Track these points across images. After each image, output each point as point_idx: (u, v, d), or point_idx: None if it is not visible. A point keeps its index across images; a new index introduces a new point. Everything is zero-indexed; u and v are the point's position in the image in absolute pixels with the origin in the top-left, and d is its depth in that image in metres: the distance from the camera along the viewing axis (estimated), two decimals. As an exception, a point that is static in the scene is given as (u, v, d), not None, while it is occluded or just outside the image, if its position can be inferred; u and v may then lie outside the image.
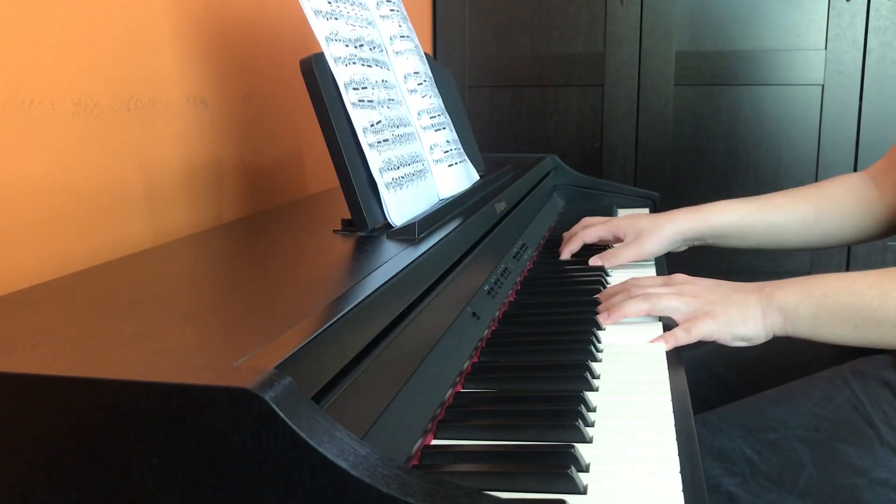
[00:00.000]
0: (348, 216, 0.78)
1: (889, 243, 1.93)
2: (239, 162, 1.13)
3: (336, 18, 0.81)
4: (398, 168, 0.83)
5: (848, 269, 1.96)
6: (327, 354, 0.47)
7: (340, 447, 0.36)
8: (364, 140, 0.78)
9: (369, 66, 0.84)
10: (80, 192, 0.81)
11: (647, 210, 1.48)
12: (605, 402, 0.62)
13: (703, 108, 1.97)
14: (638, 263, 1.08)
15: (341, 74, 0.78)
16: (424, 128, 0.95)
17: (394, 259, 0.66)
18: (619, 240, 1.08)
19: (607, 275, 1.02)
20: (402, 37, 0.96)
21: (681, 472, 0.50)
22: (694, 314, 0.78)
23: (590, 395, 0.62)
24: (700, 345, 0.79)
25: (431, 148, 0.95)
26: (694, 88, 1.97)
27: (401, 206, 0.81)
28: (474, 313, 0.75)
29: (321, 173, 1.37)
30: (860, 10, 1.85)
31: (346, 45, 0.81)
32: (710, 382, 1.02)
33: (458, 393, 0.65)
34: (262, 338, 0.45)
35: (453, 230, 0.78)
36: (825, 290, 0.74)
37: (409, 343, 0.60)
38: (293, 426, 0.35)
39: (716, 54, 1.94)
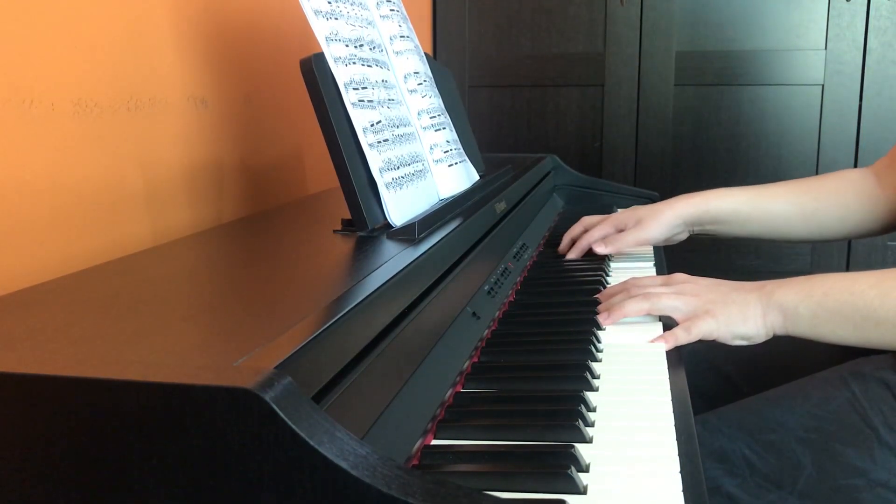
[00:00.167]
0: (348, 216, 0.78)
1: (889, 243, 1.93)
2: (239, 162, 1.13)
3: (336, 18, 0.81)
4: (398, 168, 0.83)
5: (848, 268, 1.96)
6: (327, 354, 0.47)
7: (340, 447, 0.36)
8: (364, 140, 0.78)
9: (369, 66, 0.84)
10: (80, 192, 0.81)
11: (647, 209, 1.48)
12: (605, 402, 0.62)
13: (703, 108, 1.97)
14: (638, 263, 1.08)
15: (341, 74, 0.78)
16: (424, 128, 0.95)
17: (394, 259, 0.66)
18: (621, 231, 1.08)
19: (607, 275, 1.02)
20: (402, 37, 0.96)
21: (681, 472, 0.50)
22: (694, 313, 0.78)
23: (590, 395, 0.62)
24: (701, 342, 0.79)
25: (431, 148, 0.95)
26: (694, 88, 1.97)
27: (401, 206, 0.81)
28: (474, 313, 0.75)
29: (321, 173, 1.37)
30: (860, 10, 1.85)
31: (346, 45, 0.81)
32: (712, 380, 1.02)
33: (458, 393, 0.65)
34: (262, 338, 0.45)
35: (453, 230, 0.78)
36: (825, 290, 0.74)
37: (409, 343, 0.60)
38: (293, 426, 0.35)
39: (716, 54, 1.94)
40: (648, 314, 0.81)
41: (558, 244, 1.12)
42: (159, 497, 0.37)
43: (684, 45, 1.95)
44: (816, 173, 1.93)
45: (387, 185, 0.79)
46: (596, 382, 0.66)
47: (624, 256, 1.12)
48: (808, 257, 1.97)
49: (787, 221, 1.05)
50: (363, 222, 0.76)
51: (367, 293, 0.55)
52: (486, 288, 0.83)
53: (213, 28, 1.06)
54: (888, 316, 0.72)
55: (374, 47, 0.87)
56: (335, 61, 0.78)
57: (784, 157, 1.95)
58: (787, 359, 0.97)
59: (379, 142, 0.81)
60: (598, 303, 0.85)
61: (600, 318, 0.81)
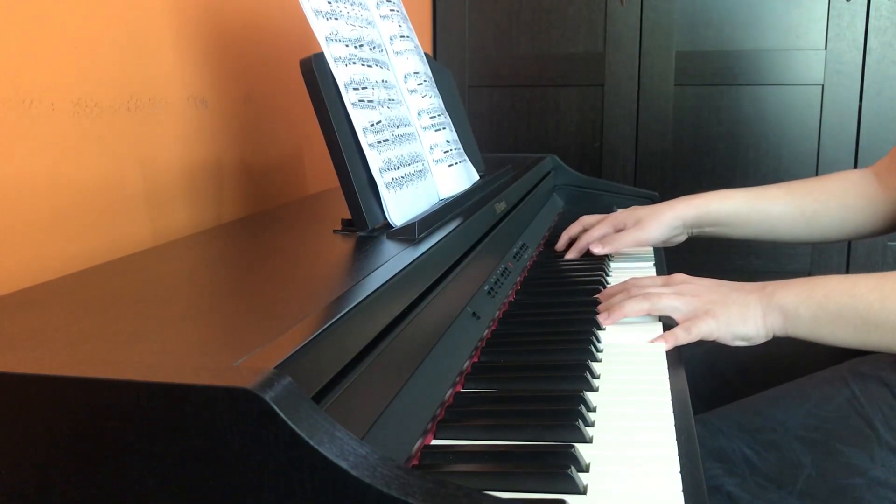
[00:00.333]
0: (348, 216, 0.78)
1: (889, 243, 1.93)
2: (239, 162, 1.13)
3: (336, 18, 0.81)
4: (398, 168, 0.83)
5: (848, 268, 1.96)
6: (327, 354, 0.47)
7: (340, 447, 0.36)
8: (364, 140, 0.78)
9: (369, 66, 0.84)
10: (80, 192, 0.81)
11: (647, 209, 1.48)
12: (605, 402, 0.62)
13: (703, 108, 1.97)
14: (638, 263, 1.08)
15: (341, 74, 0.78)
16: (424, 128, 0.95)
17: (394, 259, 0.66)
18: (619, 231, 1.08)
19: (607, 275, 1.02)
20: (402, 37, 0.96)
21: (681, 472, 0.50)
22: (694, 314, 0.78)
23: (590, 395, 0.62)
24: (701, 342, 0.79)
25: (431, 148, 0.95)
26: (694, 88, 1.97)
27: (401, 206, 0.81)
28: (474, 313, 0.75)
29: (321, 173, 1.37)
30: (860, 10, 1.85)
31: (346, 45, 0.81)
32: (712, 380, 1.02)
33: (458, 393, 0.65)
34: (262, 338, 0.45)
35: (453, 230, 0.78)
36: (826, 292, 0.74)
37: (410, 343, 0.60)
38: (293, 426, 0.35)
39: (716, 54, 1.94)
40: (649, 314, 0.81)
41: (558, 242, 1.12)
42: (159, 497, 0.37)
43: (684, 45, 1.95)
44: (816, 173, 1.93)
45: (387, 185, 0.79)
46: (596, 382, 0.66)
47: (624, 256, 1.12)
48: (808, 257, 1.97)
49: (788, 223, 1.05)
50: (363, 222, 0.76)
51: (367, 293, 0.55)
52: (486, 288, 0.83)
53: (213, 28, 1.06)
54: (888, 319, 0.72)
55: (374, 47, 0.87)
56: (335, 61, 0.78)
57: (784, 157, 1.95)
58: (787, 359, 0.97)
59: (379, 142, 0.81)
60: (598, 303, 0.85)
61: (600, 318, 0.81)
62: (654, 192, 1.53)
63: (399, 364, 0.57)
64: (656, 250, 1.15)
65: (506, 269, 0.93)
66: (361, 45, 0.84)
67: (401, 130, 0.87)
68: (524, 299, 0.90)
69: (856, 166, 1.90)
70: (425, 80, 1.00)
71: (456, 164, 1.01)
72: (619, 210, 1.16)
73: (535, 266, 1.05)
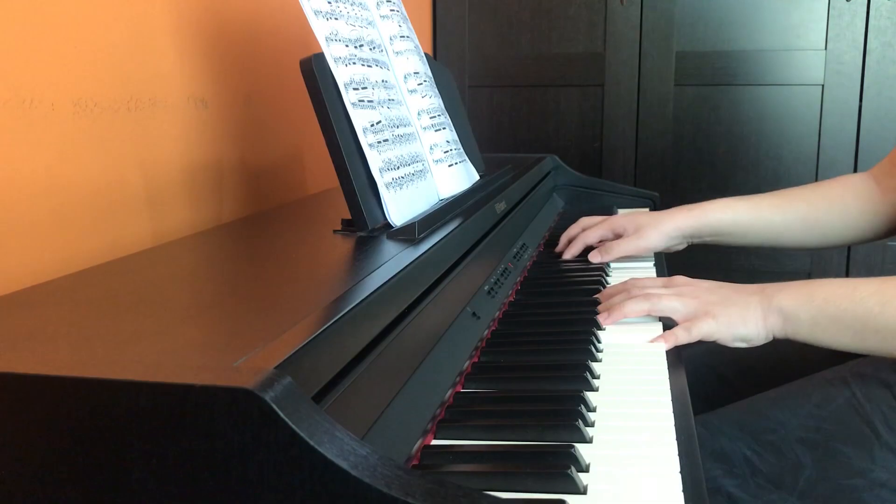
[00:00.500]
0: (348, 216, 0.78)
1: (889, 243, 1.93)
2: (239, 162, 1.13)
3: (336, 18, 0.81)
4: (398, 168, 0.83)
5: (848, 269, 1.96)
6: (327, 354, 0.47)
7: (340, 447, 0.36)
8: (364, 140, 0.78)
9: (369, 66, 0.84)
10: (80, 192, 0.81)
11: (646, 210, 1.48)
12: (605, 402, 0.62)
13: (703, 108, 1.97)
14: (638, 263, 1.08)
15: (341, 74, 0.78)
16: (424, 128, 0.95)
17: (394, 259, 0.66)
18: (618, 237, 1.08)
19: (607, 275, 1.02)
20: (402, 37, 0.96)
21: (681, 472, 0.50)
22: (694, 314, 0.78)
23: (590, 395, 0.62)
24: (702, 343, 0.79)
25: (431, 148, 0.95)
26: (694, 88, 1.97)
27: (401, 207, 0.81)
28: (474, 313, 0.75)
29: (321, 173, 1.37)
30: (860, 10, 1.85)
31: (346, 45, 0.81)
32: (712, 381, 1.02)
33: (458, 393, 0.65)
34: (262, 338, 0.45)
35: (453, 230, 0.78)
36: (826, 296, 0.74)
37: (409, 343, 0.60)
38: (293, 426, 0.35)
39: (716, 54, 1.94)
40: (649, 314, 0.81)
41: (558, 244, 1.12)
42: (160, 497, 0.37)
43: (684, 45, 1.95)
44: (816, 173, 1.93)
45: (387, 186, 0.79)
46: (596, 382, 0.66)
47: (624, 257, 1.12)
48: (808, 257, 1.97)
49: (789, 231, 1.05)
50: (363, 222, 0.76)
51: (367, 293, 0.55)
52: (486, 288, 0.83)
53: (213, 28, 1.06)
54: (888, 324, 0.72)
55: (374, 47, 0.87)
56: (335, 61, 0.78)
57: (784, 157, 1.95)
58: (788, 360, 0.97)
59: (379, 142, 0.81)
60: (598, 303, 0.85)
61: (600, 319, 0.80)
62: (654, 193, 1.53)
63: (399, 364, 0.57)
64: (656, 254, 1.15)
65: (506, 269, 0.93)
66: (361, 45, 0.84)
67: (401, 130, 0.87)
68: (524, 299, 0.90)
69: (856, 166, 1.90)
70: (425, 80, 1.00)
71: (456, 164, 1.01)
72: (620, 213, 1.16)
73: (535, 266, 1.05)
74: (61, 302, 0.56)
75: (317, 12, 0.78)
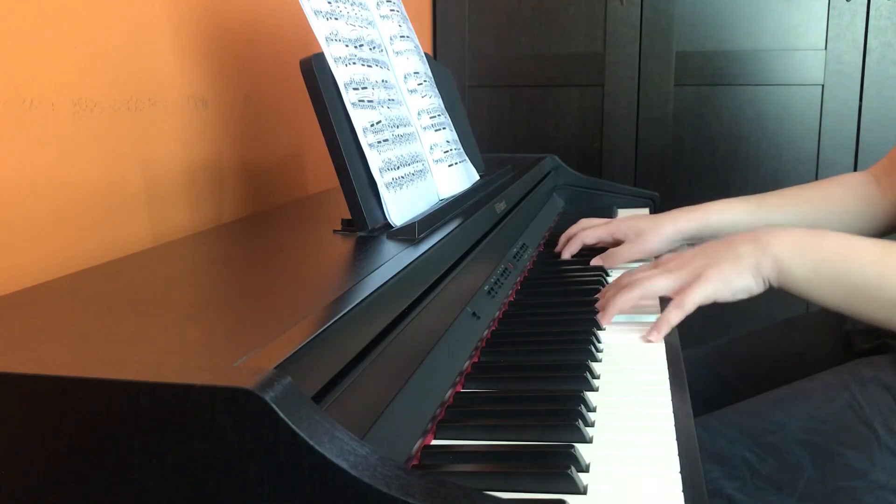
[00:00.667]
0: (348, 216, 0.78)
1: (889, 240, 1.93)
2: (239, 162, 1.13)
3: (336, 18, 0.81)
4: (398, 168, 0.83)
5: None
6: (327, 354, 0.47)
7: (340, 447, 0.36)
8: (364, 140, 0.78)
9: (369, 66, 0.84)
10: (80, 192, 0.81)
11: (646, 210, 1.48)
12: (605, 402, 0.62)
13: (703, 108, 1.97)
14: (638, 264, 1.08)
15: (341, 74, 0.78)
16: (424, 128, 0.95)
17: (394, 259, 0.66)
18: (617, 242, 1.07)
19: (607, 275, 1.02)
20: (402, 37, 0.96)
21: (681, 472, 0.50)
22: (686, 284, 0.76)
23: (590, 395, 0.62)
24: (701, 344, 0.79)
25: (431, 148, 0.95)
26: (694, 88, 1.97)
27: (401, 206, 0.81)
28: (474, 313, 0.75)
29: (321, 173, 1.37)
30: (860, 10, 1.85)
31: (346, 45, 0.81)
32: (712, 383, 1.02)
33: (458, 393, 0.65)
34: (262, 338, 0.45)
35: (453, 230, 0.78)
36: (825, 255, 0.73)
37: (409, 343, 0.60)
38: (293, 426, 0.35)
39: (716, 54, 1.94)
40: (642, 300, 0.79)
41: (558, 244, 1.12)
42: (159, 497, 0.37)
43: (684, 45, 1.95)
44: (816, 173, 1.93)
45: (387, 185, 0.79)
46: (596, 382, 0.66)
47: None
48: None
49: None
50: (363, 222, 0.76)
51: (367, 293, 0.55)
52: (486, 288, 0.83)
53: (213, 28, 1.06)
54: (880, 295, 0.71)
55: (374, 47, 0.87)
56: (335, 61, 0.78)
57: (784, 157, 1.95)
58: (787, 362, 0.97)
59: (379, 142, 0.81)
60: (597, 302, 0.85)
61: (598, 318, 0.80)
62: (654, 193, 1.53)
63: (399, 364, 0.57)
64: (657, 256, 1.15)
65: (506, 269, 0.93)
66: (361, 45, 0.84)
67: (401, 130, 0.87)
68: (524, 299, 0.90)
69: (856, 166, 1.90)
70: (425, 80, 1.00)
71: (456, 164, 1.01)
72: (621, 215, 1.15)
73: (535, 266, 1.05)
74: (61, 302, 0.56)
75: (317, 12, 0.78)
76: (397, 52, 0.94)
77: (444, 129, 1.01)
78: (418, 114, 0.95)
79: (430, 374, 0.60)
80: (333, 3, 0.82)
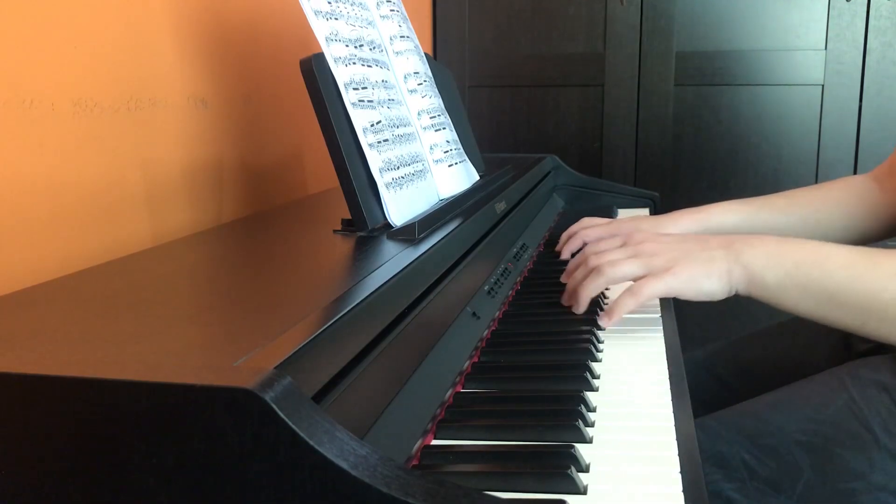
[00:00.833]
0: (348, 216, 0.78)
1: (889, 243, 1.93)
2: (239, 162, 1.13)
3: (336, 18, 0.81)
4: (398, 168, 0.83)
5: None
6: (327, 354, 0.47)
7: (340, 447, 0.36)
8: (364, 140, 0.78)
9: (369, 66, 0.84)
10: (80, 192, 0.81)
11: (646, 210, 1.48)
12: (605, 401, 0.62)
13: (703, 108, 1.97)
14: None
15: (341, 74, 0.78)
16: (424, 128, 0.95)
17: (394, 259, 0.66)
18: None
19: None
20: (402, 37, 0.96)
21: (681, 472, 0.50)
22: (652, 273, 0.75)
23: (590, 395, 0.62)
24: (700, 346, 0.79)
25: (431, 148, 0.95)
26: (694, 88, 1.97)
27: (401, 206, 0.81)
28: (474, 313, 0.75)
29: (321, 173, 1.37)
30: (860, 10, 1.85)
31: (346, 46, 0.81)
32: (710, 384, 1.02)
33: (458, 393, 0.65)
34: (262, 338, 0.45)
35: (453, 230, 0.78)
36: (796, 261, 0.72)
37: (409, 343, 0.60)
38: (293, 426, 0.35)
39: (716, 54, 1.94)
40: (609, 285, 0.79)
41: (558, 244, 1.12)
42: (159, 497, 0.37)
43: (684, 45, 1.95)
44: (816, 173, 1.93)
45: (387, 186, 0.79)
46: (596, 382, 0.66)
47: None
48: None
49: (792, 233, 1.04)
50: (363, 222, 0.76)
51: (367, 293, 0.55)
52: (486, 288, 0.83)
53: (213, 28, 1.06)
54: (851, 300, 0.70)
55: (374, 47, 0.87)
56: (335, 61, 0.78)
57: (784, 157, 1.95)
58: (785, 363, 0.97)
59: (379, 142, 0.81)
60: (598, 304, 0.85)
61: (573, 308, 0.80)
62: (654, 193, 1.53)
63: (399, 364, 0.57)
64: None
65: (506, 269, 0.93)
66: (361, 45, 0.84)
67: (401, 130, 0.87)
68: (524, 299, 0.90)
69: (856, 166, 1.90)
70: (425, 80, 1.00)
71: (456, 164, 1.01)
72: (621, 214, 1.15)
73: (535, 266, 1.05)
74: (61, 302, 0.56)
75: (317, 12, 0.78)
76: (397, 52, 0.94)
77: (444, 129, 1.01)
78: (418, 114, 0.95)
79: (430, 374, 0.60)
80: (333, 3, 0.82)
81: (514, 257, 1.00)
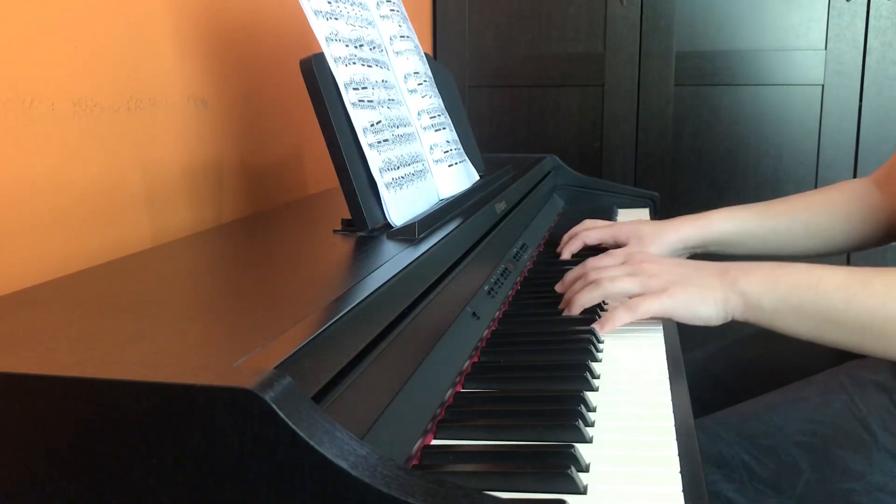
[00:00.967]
0: (348, 216, 0.78)
1: (890, 244, 1.93)
2: (239, 162, 1.13)
3: (336, 18, 0.81)
4: (398, 168, 0.83)
5: (848, 265, 1.96)
6: (327, 354, 0.47)
7: (340, 447, 0.36)
8: (364, 140, 0.78)
9: (369, 66, 0.84)
10: (80, 192, 0.81)
11: (646, 210, 1.48)
12: (605, 402, 0.62)
13: (703, 108, 1.97)
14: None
15: (341, 74, 0.78)
16: (424, 128, 0.95)
17: (394, 259, 0.66)
18: (619, 244, 1.07)
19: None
20: (402, 37, 0.96)
21: (681, 472, 0.50)
22: (648, 292, 0.76)
23: (590, 395, 0.62)
24: (701, 346, 0.79)
25: (431, 148, 0.95)
26: (694, 88, 1.97)
27: (401, 206, 0.81)
28: (474, 313, 0.75)
29: (321, 173, 1.37)
30: (860, 10, 1.85)
31: (346, 45, 0.81)
32: (710, 385, 1.02)
33: (458, 393, 0.65)
34: (262, 338, 0.45)
35: (453, 230, 0.78)
36: (791, 285, 0.73)
37: (409, 343, 0.60)
38: (293, 426, 0.35)
39: (716, 54, 1.94)
40: (605, 299, 0.80)
41: (558, 244, 1.12)
42: (159, 497, 0.37)
43: (684, 45, 1.95)
44: (816, 173, 1.93)
45: (387, 186, 0.79)
46: (596, 382, 0.66)
47: None
48: (808, 258, 1.97)
49: (793, 238, 1.04)
50: (363, 222, 0.76)
51: (367, 293, 0.55)
52: (486, 288, 0.83)
53: (213, 28, 1.06)
54: (849, 320, 0.71)
55: (374, 47, 0.87)
56: (335, 61, 0.78)
57: (784, 157, 1.95)
58: (785, 364, 0.97)
59: (379, 142, 0.81)
60: (599, 306, 0.85)
61: (566, 311, 0.81)
62: (653, 193, 1.53)
63: (399, 364, 0.57)
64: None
65: (506, 269, 0.93)
66: (361, 45, 0.84)
67: (401, 130, 0.87)
68: (524, 299, 0.90)
69: (856, 166, 1.90)
70: (425, 80, 1.00)
71: (456, 164, 1.01)
72: (622, 215, 1.14)
73: (535, 266, 1.05)
74: (61, 302, 0.56)
75: (317, 12, 0.78)
76: (397, 52, 0.94)
77: (444, 129, 1.01)
78: (418, 114, 0.95)
79: (430, 374, 0.60)
80: (333, 3, 0.82)
81: (514, 257, 1.00)
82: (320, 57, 0.77)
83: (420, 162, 0.90)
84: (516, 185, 1.15)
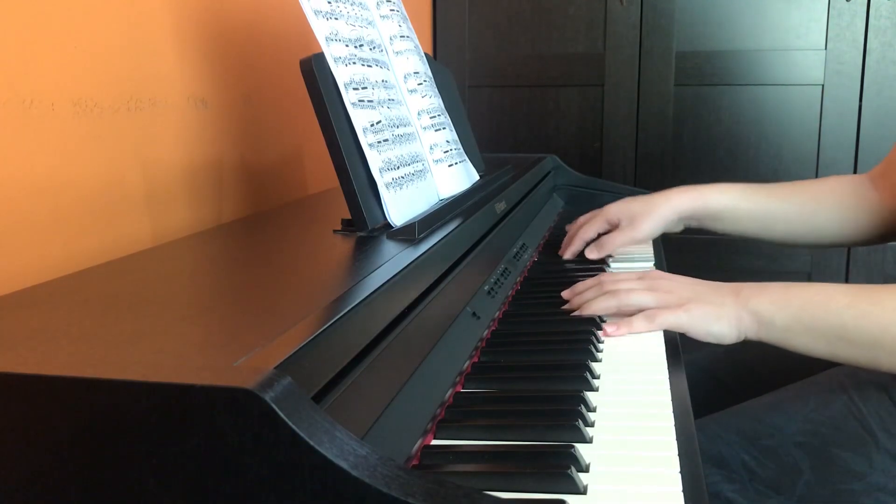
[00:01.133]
0: (348, 216, 0.78)
1: (889, 243, 1.93)
2: (239, 162, 1.13)
3: (336, 18, 0.81)
4: (398, 168, 0.83)
5: (848, 269, 1.96)
6: (327, 354, 0.47)
7: (340, 447, 0.36)
8: (364, 140, 0.78)
9: (369, 66, 0.84)
10: (80, 192, 0.81)
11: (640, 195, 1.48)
12: (605, 402, 0.62)
13: (703, 108, 1.97)
14: (638, 264, 1.08)
15: (341, 74, 0.78)
16: (424, 128, 0.95)
17: (394, 259, 0.66)
18: (613, 226, 1.07)
19: (608, 268, 1.02)
20: (402, 37, 0.96)
21: (681, 472, 0.50)
22: (665, 306, 0.77)
23: (590, 395, 0.62)
24: (700, 348, 0.79)
25: (431, 148, 0.95)
26: (694, 88, 1.97)
27: (401, 206, 0.81)
28: (474, 313, 0.75)
29: (321, 173, 1.37)
30: (860, 10, 1.85)
31: (346, 45, 0.81)
32: (710, 385, 1.02)
33: (458, 393, 0.65)
34: (262, 338, 0.45)
35: (453, 230, 0.78)
36: (802, 303, 0.74)
37: (410, 343, 0.60)
38: (293, 426, 0.35)
39: (716, 54, 1.94)
40: (618, 312, 0.80)
41: (558, 245, 1.12)
42: (159, 497, 0.37)
43: (684, 45, 1.95)
44: (816, 173, 1.93)
45: (387, 185, 0.79)
46: (596, 382, 0.66)
47: (624, 257, 1.12)
48: (808, 258, 1.97)
49: (786, 221, 1.04)
50: (363, 222, 0.76)
51: (367, 293, 0.55)
52: (486, 288, 0.83)
53: (213, 28, 1.06)
54: (860, 337, 0.71)
55: (374, 47, 0.87)
56: (335, 61, 0.78)
57: (784, 157, 1.95)
58: (784, 364, 0.97)
59: (379, 142, 0.81)
60: (600, 316, 0.84)
61: (573, 313, 0.80)
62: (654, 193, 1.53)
63: (399, 364, 0.57)
64: (657, 250, 1.15)
65: (506, 269, 0.93)
66: (361, 45, 0.84)
67: (401, 130, 0.87)
68: (524, 299, 0.90)
69: (856, 166, 1.90)
70: (425, 80, 1.00)
71: (456, 164, 1.01)
72: (613, 203, 1.13)
73: (535, 266, 1.05)
74: (61, 302, 0.56)
75: (317, 12, 0.78)
76: (397, 52, 0.94)
77: (444, 129, 1.01)
78: (418, 114, 0.95)
79: (430, 374, 0.60)
80: (333, 3, 0.82)
81: (514, 257, 1.00)
82: (320, 57, 0.77)
83: (420, 162, 0.90)
84: (516, 185, 1.15)
